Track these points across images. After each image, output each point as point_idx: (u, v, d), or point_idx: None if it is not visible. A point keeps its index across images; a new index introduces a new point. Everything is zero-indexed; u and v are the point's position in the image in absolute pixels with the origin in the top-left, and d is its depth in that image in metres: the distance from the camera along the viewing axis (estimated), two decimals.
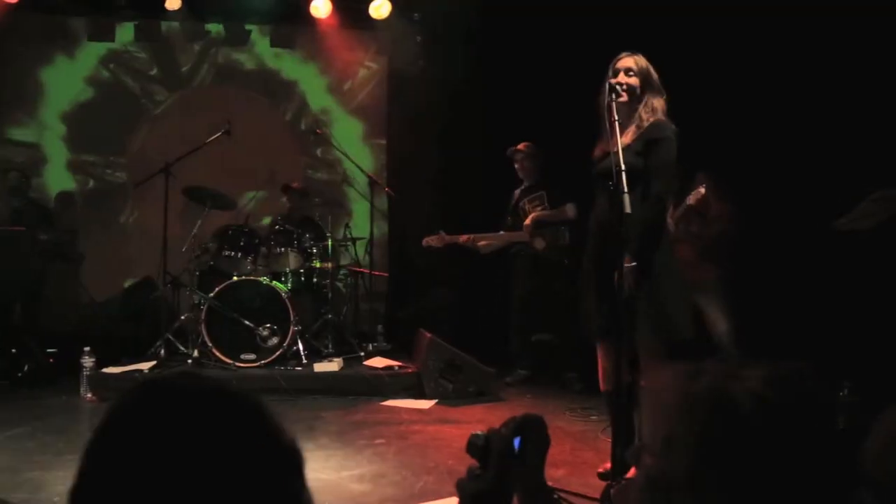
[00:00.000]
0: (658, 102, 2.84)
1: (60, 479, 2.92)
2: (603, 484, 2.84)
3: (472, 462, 1.21)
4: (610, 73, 2.83)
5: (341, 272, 5.79)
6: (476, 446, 1.23)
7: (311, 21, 6.58)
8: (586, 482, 2.94)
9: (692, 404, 0.79)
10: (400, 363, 4.92)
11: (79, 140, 6.72)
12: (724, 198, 4.19)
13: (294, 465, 0.70)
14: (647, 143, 2.75)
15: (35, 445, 3.49)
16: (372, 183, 5.59)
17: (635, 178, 2.59)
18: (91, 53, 6.78)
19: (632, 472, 2.86)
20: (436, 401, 4.48)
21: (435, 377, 4.57)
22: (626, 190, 2.45)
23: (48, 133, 6.70)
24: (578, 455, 3.39)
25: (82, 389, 4.52)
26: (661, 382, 0.89)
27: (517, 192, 5.23)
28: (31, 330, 5.48)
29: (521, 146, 5.11)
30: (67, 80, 6.74)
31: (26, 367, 5.15)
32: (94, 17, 6.60)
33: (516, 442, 1.22)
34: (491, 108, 6.04)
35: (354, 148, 6.71)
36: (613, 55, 2.91)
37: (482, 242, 4.91)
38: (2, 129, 6.66)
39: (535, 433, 1.26)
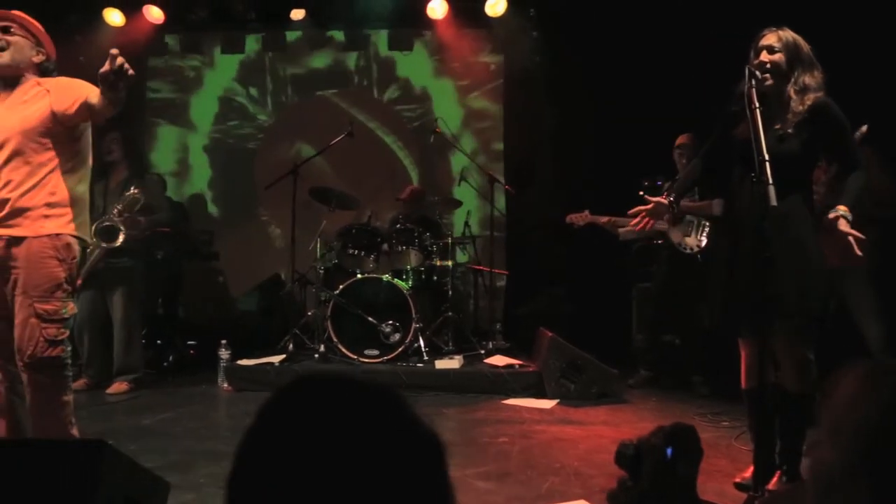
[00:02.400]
0: (810, 78, 2.56)
1: (204, 462, 3.11)
2: (740, 494, 2.69)
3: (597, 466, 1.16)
4: (752, 56, 2.65)
5: (460, 270, 5.82)
6: (626, 456, 1.18)
7: (427, 22, 6.67)
8: (722, 491, 2.78)
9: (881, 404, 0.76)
10: (520, 362, 4.87)
11: (214, 145, 7.16)
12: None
13: (438, 454, 0.72)
14: (810, 125, 2.55)
15: (181, 430, 3.73)
16: (491, 180, 5.57)
17: (785, 167, 2.39)
18: (225, 64, 7.20)
19: (773, 482, 2.69)
20: (557, 401, 4.40)
21: (556, 377, 4.49)
22: (770, 181, 2.28)
23: (189, 139, 7.19)
24: (712, 462, 3.21)
25: (219, 379, 4.80)
26: (847, 382, 0.85)
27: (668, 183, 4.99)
28: (173, 323, 5.91)
29: (684, 139, 4.88)
30: (206, 90, 7.21)
31: (170, 358, 5.56)
32: (226, 32, 7.01)
33: (668, 452, 1.16)
34: (609, 103, 5.87)
35: (472, 146, 6.75)
36: (748, 39, 2.72)
37: (623, 228, 4.74)
38: (148, 135, 7.21)
39: (687, 443, 1.19)
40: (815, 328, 2.61)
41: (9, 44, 2.58)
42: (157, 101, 7.21)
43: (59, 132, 2.62)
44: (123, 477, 1.86)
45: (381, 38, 7.07)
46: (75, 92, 2.60)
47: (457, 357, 4.85)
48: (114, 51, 2.32)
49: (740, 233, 2.65)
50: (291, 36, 7.09)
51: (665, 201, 2.81)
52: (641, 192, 5.78)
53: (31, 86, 2.65)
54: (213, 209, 7.04)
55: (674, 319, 4.90)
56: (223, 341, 4.84)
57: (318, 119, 7.02)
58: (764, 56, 2.62)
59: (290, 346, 5.06)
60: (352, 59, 7.15)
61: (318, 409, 0.70)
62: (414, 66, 7.10)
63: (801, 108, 2.56)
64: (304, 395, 0.73)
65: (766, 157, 2.30)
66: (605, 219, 4.75)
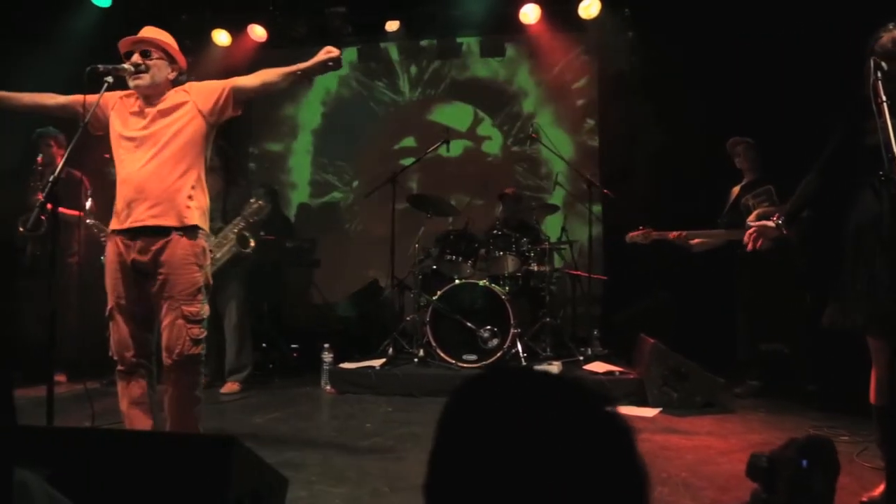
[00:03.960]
0: None
1: (314, 461, 3.22)
2: None
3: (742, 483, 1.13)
4: (875, 47, 2.51)
5: (557, 275, 5.77)
6: (759, 468, 1.15)
7: (520, 28, 6.68)
8: None
9: None
10: (621, 368, 4.78)
11: (315, 157, 7.42)
12: None
13: (629, 436, 0.73)
14: None
15: (289, 430, 3.89)
16: (588, 184, 5.51)
17: None
18: (323, 77, 7.45)
19: None
20: (659, 409, 4.29)
21: (659, 384, 4.38)
22: None
23: (292, 150, 7.49)
24: None
25: (323, 382, 4.97)
26: None
27: (737, 188, 4.85)
28: (277, 327, 6.16)
29: (739, 139, 4.75)
30: (306, 102, 7.49)
31: (275, 361, 5.80)
32: (321, 47, 7.24)
33: (803, 464, 1.12)
34: (709, 103, 5.68)
35: (568, 150, 6.70)
36: (857, 36, 2.57)
37: (695, 241, 4.59)
38: (251, 148, 7.56)
39: (823, 457, 1.14)
40: None
41: (149, 67, 2.86)
42: (260, 114, 7.54)
43: (201, 137, 2.89)
44: (251, 472, 1.96)
45: (473, 46, 7.13)
46: (215, 86, 2.92)
47: (556, 363, 4.81)
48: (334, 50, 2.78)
49: (866, 235, 2.50)
50: (386, 47, 7.26)
51: (773, 224, 2.71)
52: (748, 200, 5.57)
53: (172, 94, 2.92)
54: (314, 218, 7.28)
55: (776, 327, 4.68)
56: (326, 345, 5.00)
57: (413, 127, 7.16)
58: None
59: (390, 350, 5.18)
60: (445, 68, 7.24)
61: (512, 395, 0.72)
62: (507, 71, 7.12)
63: None
64: (497, 383, 0.75)
65: None
66: (674, 234, 4.58)
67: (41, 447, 1.91)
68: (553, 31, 6.74)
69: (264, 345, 5.92)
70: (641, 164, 6.26)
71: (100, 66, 2.77)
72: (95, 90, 2.82)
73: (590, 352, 5.21)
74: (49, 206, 2.47)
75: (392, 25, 6.73)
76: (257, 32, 6.76)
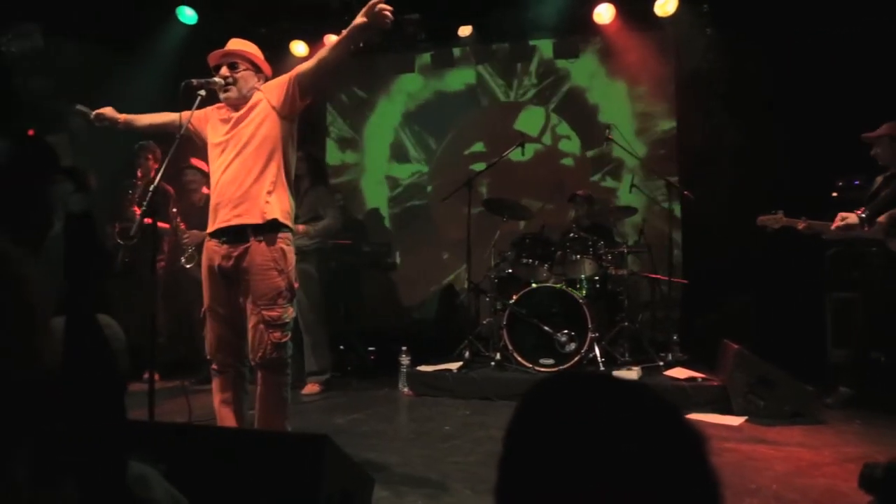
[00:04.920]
0: None
1: (395, 462, 3.28)
2: None
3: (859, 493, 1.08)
4: None
5: (635, 278, 5.67)
6: (874, 479, 1.10)
7: (594, 28, 6.60)
8: None
9: None
10: (703, 375, 4.65)
11: (391, 161, 7.53)
12: None
13: (703, 444, 0.71)
14: None
15: (369, 431, 3.96)
16: (667, 186, 5.39)
17: None
18: (398, 83, 7.57)
19: None
20: (745, 418, 4.15)
21: (744, 392, 4.23)
22: None
23: (367, 155, 7.63)
24: None
25: (400, 384, 5.04)
26: None
27: (880, 178, 4.53)
28: (354, 330, 6.28)
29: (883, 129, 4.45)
30: (381, 109, 7.62)
31: (353, 363, 5.92)
32: (397, 53, 7.36)
33: None
34: (793, 98, 5.47)
35: (644, 151, 6.58)
36: None
37: (825, 231, 4.32)
38: (329, 153, 7.74)
39: None
40: None
41: (236, 80, 2.98)
42: (337, 121, 7.71)
43: (277, 133, 2.96)
44: (341, 470, 2.02)
45: (546, 48, 7.09)
46: (282, 79, 3.01)
47: (635, 368, 4.72)
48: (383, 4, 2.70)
49: None
50: (458, 52, 7.31)
51: (855, 219, 2.59)
52: (835, 194, 5.35)
53: (254, 98, 3.03)
54: (390, 222, 7.40)
55: (886, 333, 4.43)
56: (404, 348, 5.07)
57: (488, 132, 7.18)
58: None
59: (467, 353, 5.20)
60: (518, 70, 7.23)
61: (584, 399, 0.71)
62: (581, 73, 7.05)
63: None
64: (569, 388, 0.74)
65: None
66: (802, 223, 4.35)
67: (146, 441, 2.01)
68: (628, 31, 6.64)
69: (342, 347, 6.05)
70: (722, 165, 6.08)
71: (193, 80, 2.92)
72: (189, 103, 2.97)
73: (670, 357, 5.09)
74: (148, 219, 2.62)
75: (465, 30, 6.77)
76: (333, 42, 6.92)
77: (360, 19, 2.78)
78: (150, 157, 5.32)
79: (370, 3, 2.73)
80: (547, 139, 7.06)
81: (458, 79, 7.40)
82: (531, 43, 7.09)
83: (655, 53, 6.77)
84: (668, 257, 5.44)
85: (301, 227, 4.77)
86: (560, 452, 0.68)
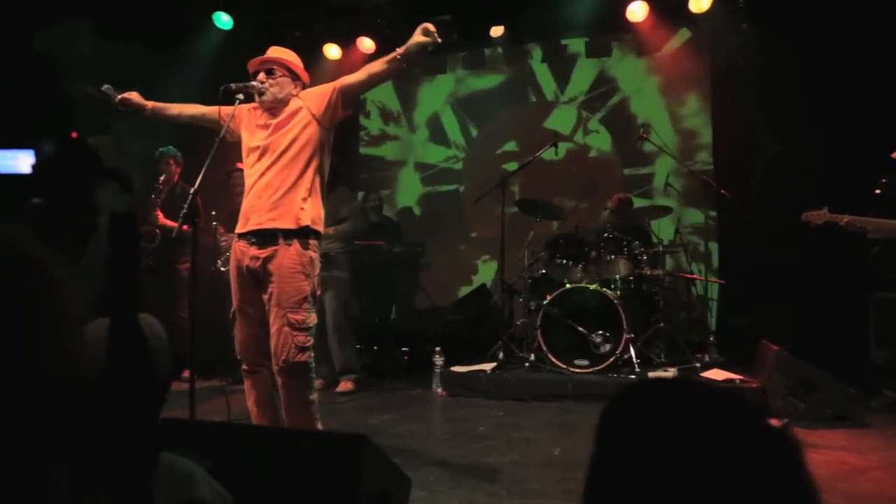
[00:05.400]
0: None
1: (431, 462, 3.28)
2: None
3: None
4: None
5: (671, 278, 5.60)
6: None
7: (627, 26, 6.54)
8: None
9: None
10: (741, 377, 4.57)
11: (423, 159, 7.55)
12: None
13: (800, 457, 0.68)
14: None
15: (404, 430, 3.97)
16: (703, 184, 5.31)
17: None
18: (430, 85, 7.59)
19: None
20: (785, 420, 4.07)
21: (783, 394, 4.15)
22: None
23: (399, 156, 7.66)
24: None
25: (434, 385, 5.04)
26: None
27: None
28: (387, 331, 6.31)
29: None
30: (413, 110, 7.65)
31: (386, 363, 5.94)
32: (428, 55, 7.36)
33: None
34: (827, 98, 5.35)
35: (679, 149, 6.49)
36: None
37: (870, 227, 4.26)
38: (360, 154, 7.79)
39: None
40: None
41: (272, 85, 3.02)
42: (369, 123, 7.75)
43: (316, 142, 3.00)
44: (379, 470, 2.03)
45: (579, 47, 7.04)
46: (325, 89, 3.04)
47: (671, 369, 4.67)
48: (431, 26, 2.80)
49: None
50: (490, 52, 7.30)
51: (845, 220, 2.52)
52: (878, 191, 5.22)
53: (290, 104, 3.06)
54: (422, 223, 7.41)
55: None
56: (437, 348, 5.08)
57: (520, 131, 7.16)
58: None
59: (500, 354, 5.19)
60: (550, 69, 7.19)
61: (678, 405, 0.70)
62: (614, 71, 6.99)
63: None
64: (661, 393, 0.73)
65: None
66: (846, 219, 4.27)
67: (190, 439, 2.05)
68: (662, 28, 6.57)
69: (375, 347, 6.08)
70: (759, 162, 5.97)
71: (232, 84, 2.97)
72: (228, 105, 3.02)
73: (706, 358, 5.01)
74: (186, 226, 2.68)
75: (497, 31, 6.76)
76: (366, 45, 6.98)
77: (411, 43, 2.85)
78: (171, 161, 5.42)
79: (419, 36, 2.83)
80: (579, 138, 7.02)
81: (489, 79, 7.39)
82: (563, 42, 7.06)
83: (690, 50, 6.69)
84: (705, 257, 5.35)
85: (330, 230, 4.82)
86: (652, 461, 0.66)
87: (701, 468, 0.65)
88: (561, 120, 7.06)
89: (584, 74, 7.06)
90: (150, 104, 3.22)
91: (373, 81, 3.03)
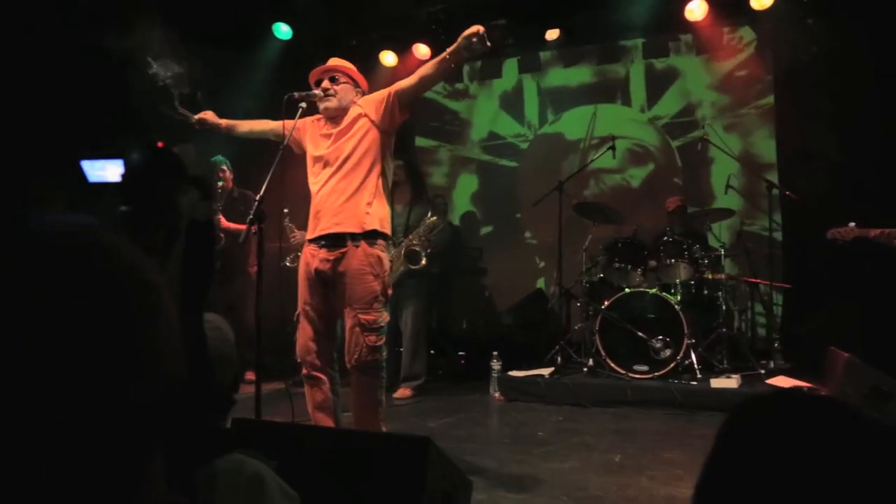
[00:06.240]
0: None
1: (490, 466, 3.29)
2: None
3: None
4: None
5: (732, 283, 5.45)
6: None
7: (685, 26, 6.42)
8: None
9: None
10: (808, 384, 4.42)
11: (480, 165, 7.55)
12: None
13: None
14: None
15: (464, 434, 3.99)
16: (768, 186, 5.17)
17: None
18: (486, 89, 7.60)
19: None
20: None
21: (856, 404, 3.99)
22: None
23: (457, 162, 7.69)
24: None
25: (491, 389, 5.05)
26: None
27: None
28: (446, 335, 6.33)
29: None
30: (470, 115, 7.66)
31: (444, 367, 5.97)
32: (485, 59, 7.38)
33: None
34: None
35: (741, 150, 6.33)
36: None
37: None
38: (420, 160, 7.84)
39: None
40: None
41: (336, 92, 3.10)
42: (428, 129, 7.80)
43: (377, 147, 3.05)
44: (443, 472, 2.04)
45: (636, 48, 6.94)
46: (381, 95, 3.09)
47: (734, 376, 4.54)
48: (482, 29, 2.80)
49: None
50: (546, 56, 7.27)
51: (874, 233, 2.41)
52: None
53: (350, 111, 3.13)
54: (481, 228, 7.41)
55: None
56: (495, 353, 5.07)
57: (577, 135, 7.10)
58: None
59: (558, 359, 5.16)
60: (607, 72, 7.11)
61: (806, 423, 0.66)
62: (673, 71, 6.86)
63: None
64: (791, 408, 0.68)
65: None
66: (875, 231, 4.12)
67: (257, 439, 2.10)
68: (722, 26, 6.42)
69: (432, 351, 6.11)
70: (825, 163, 5.77)
71: (295, 93, 3.06)
72: (291, 115, 3.11)
73: (771, 365, 4.87)
74: (254, 227, 2.77)
75: (552, 34, 6.72)
76: (422, 51, 7.04)
77: (459, 44, 2.86)
78: (225, 169, 5.59)
79: (470, 31, 2.83)
80: (638, 140, 6.90)
81: (547, 81, 7.34)
82: (620, 43, 6.96)
83: (751, 48, 6.52)
84: (769, 260, 5.20)
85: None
86: (771, 479, 0.63)
87: (824, 495, 0.61)
88: (618, 122, 6.94)
89: (641, 75, 6.94)
90: (224, 122, 3.35)
91: (425, 83, 3.07)
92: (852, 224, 4.26)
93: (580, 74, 7.22)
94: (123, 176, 1.14)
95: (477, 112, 7.63)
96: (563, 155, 7.12)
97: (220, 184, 5.58)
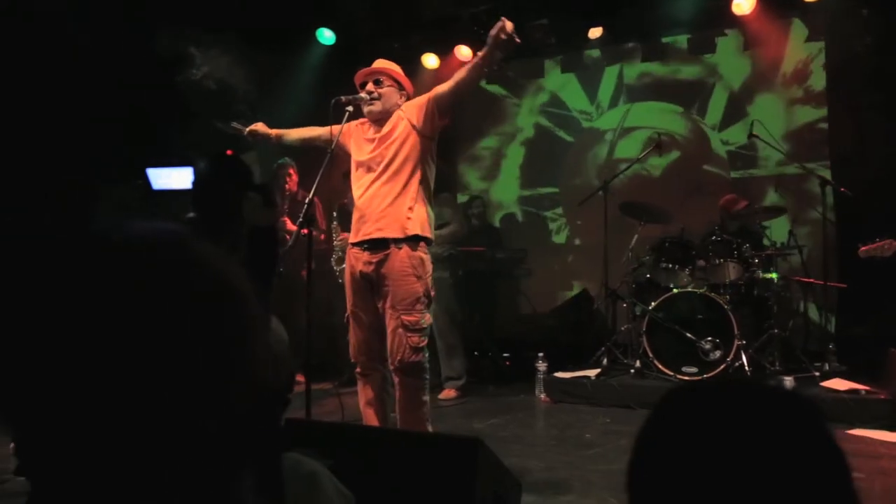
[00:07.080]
0: None
1: (538, 467, 3.29)
2: None
3: None
4: None
5: (784, 283, 5.32)
6: None
7: (732, 20, 6.29)
8: None
9: None
10: (866, 387, 4.29)
11: (523, 166, 7.53)
12: None
13: (845, 468, 0.67)
14: None
15: (510, 435, 3.99)
16: (821, 183, 5.03)
17: None
18: (529, 90, 7.57)
19: None
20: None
21: None
22: None
23: (500, 162, 7.68)
24: None
25: (537, 390, 5.03)
26: None
27: None
28: (490, 336, 6.32)
29: None
30: (512, 116, 7.65)
31: (488, 369, 5.96)
32: (527, 59, 7.34)
33: None
34: None
35: (792, 146, 6.18)
36: None
37: None
38: (461, 160, 7.87)
39: None
40: None
41: (381, 95, 3.13)
42: (469, 131, 7.81)
43: (418, 152, 3.08)
44: (493, 473, 2.05)
45: (681, 44, 6.83)
46: (421, 100, 3.12)
47: (787, 378, 4.43)
48: (508, 24, 2.78)
49: None
50: (589, 54, 7.21)
51: None
52: None
53: (393, 116, 3.17)
54: (525, 228, 7.37)
55: None
56: (540, 354, 5.05)
57: (623, 133, 7.02)
58: None
59: (605, 360, 5.11)
60: (651, 70, 7.02)
61: (721, 406, 0.69)
62: (720, 67, 6.73)
63: None
64: (706, 394, 0.72)
65: None
66: None
67: (310, 439, 2.14)
68: (771, 19, 6.26)
69: (476, 353, 6.11)
70: (880, 159, 5.59)
71: (342, 97, 3.10)
72: (338, 118, 3.16)
73: (826, 367, 4.74)
74: (304, 230, 2.82)
75: (595, 32, 6.66)
76: (463, 53, 7.04)
77: (489, 45, 2.86)
78: (290, 171, 5.67)
79: (496, 28, 2.81)
80: (685, 138, 6.79)
81: (591, 80, 7.27)
82: (664, 40, 6.85)
83: (802, 42, 6.35)
84: (823, 259, 5.07)
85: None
86: (691, 465, 0.66)
87: (742, 478, 0.63)
88: (665, 120, 6.84)
89: (687, 72, 6.82)
90: (274, 132, 3.44)
91: (461, 87, 3.06)
92: (889, 239, 4.15)
93: (620, 74, 7.13)
94: (193, 183, 1.17)
95: (513, 117, 7.61)
96: (592, 146, 7.03)
97: (286, 185, 5.68)
